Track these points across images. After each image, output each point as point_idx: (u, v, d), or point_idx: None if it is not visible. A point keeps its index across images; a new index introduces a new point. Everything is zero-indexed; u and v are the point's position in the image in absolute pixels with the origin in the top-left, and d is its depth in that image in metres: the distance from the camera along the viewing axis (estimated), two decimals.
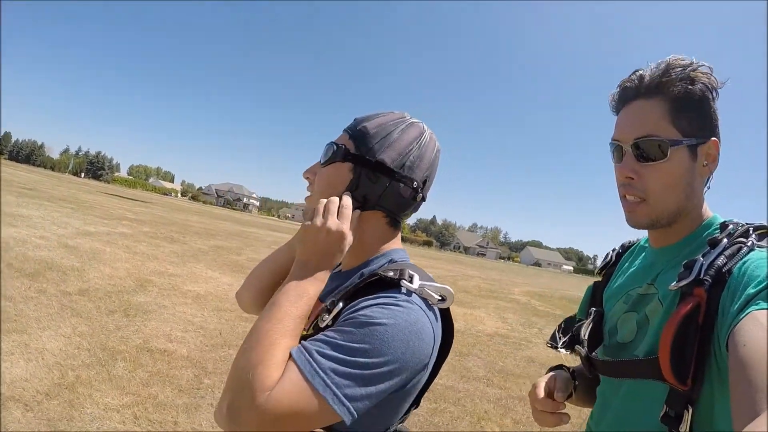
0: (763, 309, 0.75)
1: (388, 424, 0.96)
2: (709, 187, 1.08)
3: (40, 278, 6.72)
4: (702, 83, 1.00)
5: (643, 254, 1.21)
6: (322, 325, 0.91)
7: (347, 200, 0.98)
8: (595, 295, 1.32)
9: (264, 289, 1.24)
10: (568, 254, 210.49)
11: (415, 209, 1.09)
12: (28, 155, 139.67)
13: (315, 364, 0.79)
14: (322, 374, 0.78)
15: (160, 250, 11.65)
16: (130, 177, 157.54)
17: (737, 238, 0.93)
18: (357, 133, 1.03)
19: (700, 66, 1.01)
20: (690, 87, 1.00)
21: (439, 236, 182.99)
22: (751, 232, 0.95)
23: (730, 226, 0.97)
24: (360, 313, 0.86)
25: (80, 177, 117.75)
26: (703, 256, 0.92)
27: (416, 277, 0.94)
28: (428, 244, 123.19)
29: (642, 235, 1.27)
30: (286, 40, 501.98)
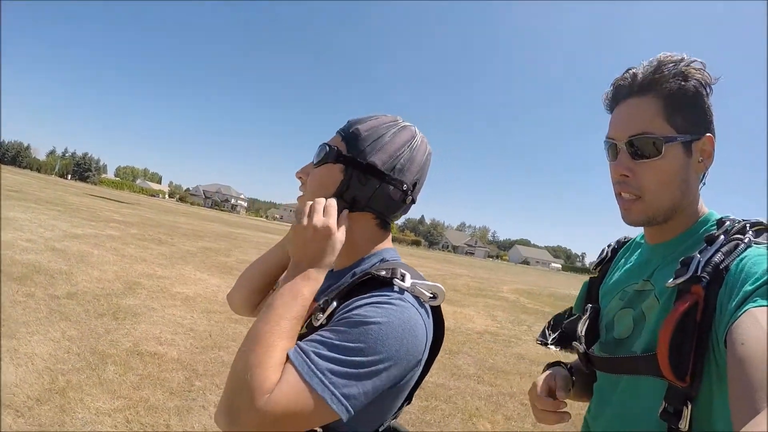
0: (760, 306, 0.75)
1: (382, 420, 0.98)
2: (704, 183, 1.08)
3: (28, 282, 6.66)
4: (695, 79, 1.00)
5: (639, 250, 1.21)
6: (317, 324, 0.92)
7: (332, 200, 1.00)
8: (590, 292, 1.32)
9: (255, 291, 1.26)
10: (557, 252, 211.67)
11: (405, 211, 1.11)
12: (14, 157, 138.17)
13: (312, 365, 0.81)
14: (320, 375, 0.80)
15: (148, 252, 11.58)
16: (117, 178, 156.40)
17: (734, 234, 0.94)
18: (349, 135, 1.05)
19: (692, 62, 1.01)
20: (683, 83, 1.00)
21: (428, 235, 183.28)
22: (747, 228, 0.95)
23: (727, 223, 0.98)
24: (354, 312, 0.87)
25: (67, 179, 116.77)
26: (700, 253, 0.92)
27: (408, 276, 0.96)
28: (417, 243, 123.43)
29: (637, 231, 1.26)
30: (277, 39, 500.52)
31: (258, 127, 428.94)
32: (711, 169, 1.07)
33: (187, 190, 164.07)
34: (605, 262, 1.32)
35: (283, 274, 1.00)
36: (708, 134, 1.02)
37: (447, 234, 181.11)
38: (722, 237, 0.93)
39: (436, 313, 1.02)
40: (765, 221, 0.97)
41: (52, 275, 7.33)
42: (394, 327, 0.86)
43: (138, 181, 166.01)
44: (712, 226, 1.03)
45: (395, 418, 1.04)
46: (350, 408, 0.81)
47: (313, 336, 0.86)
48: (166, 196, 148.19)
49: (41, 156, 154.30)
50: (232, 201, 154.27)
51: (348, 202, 1.03)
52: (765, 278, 0.79)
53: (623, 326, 1.09)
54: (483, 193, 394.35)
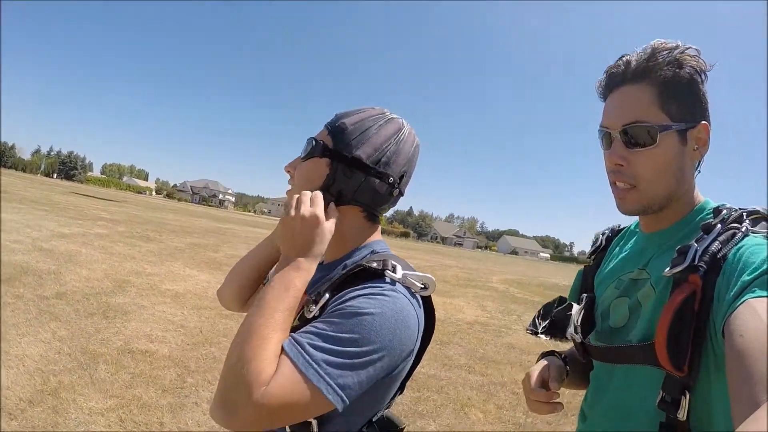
0: (759, 297, 0.74)
1: (375, 410, 0.99)
2: (699, 171, 1.06)
3: (16, 283, 6.60)
4: (690, 66, 0.99)
5: (634, 239, 1.20)
6: (309, 316, 0.93)
7: (317, 192, 1.00)
8: (585, 280, 1.30)
9: (245, 286, 1.25)
10: (545, 242, 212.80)
11: (393, 203, 1.11)
12: None
13: (308, 357, 0.82)
14: (315, 366, 0.81)
15: (136, 249, 11.51)
16: (104, 176, 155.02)
17: (731, 223, 0.92)
18: (335, 129, 1.05)
19: (687, 49, 0.99)
20: (678, 71, 0.98)
21: (417, 227, 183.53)
22: (744, 217, 0.93)
23: (724, 212, 0.96)
24: (348, 303, 0.89)
25: (53, 178, 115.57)
26: (696, 242, 0.91)
27: (399, 267, 0.97)
28: (405, 235, 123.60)
29: (629, 220, 1.24)
30: (264, 34, 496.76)
31: (245, 122, 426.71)
32: (706, 157, 1.05)
33: (175, 186, 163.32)
34: (600, 251, 1.31)
35: (274, 268, 1.00)
36: (703, 122, 1.02)
37: (435, 225, 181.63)
38: (719, 226, 0.92)
39: (427, 304, 1.04)
40: (761, 209, 0.96)
41: (40, 275, 7.28)
42: (387, 318, 0.87)
43: (125, 179, 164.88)
44: (708, 214, 1.02)
45: (388, 407, 1.05)
46: (345, 398, 0.82)
47: (308, 327, 0.87)
48: (153, 192, 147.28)
49: (26, 155, 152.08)
50: (220, 196, 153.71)
51: (334, 196, 1.04)
52: (763, 268, 0.79)
53: (619, 315, 1.09)
54: (471, 183, 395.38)
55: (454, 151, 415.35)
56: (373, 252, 1.07)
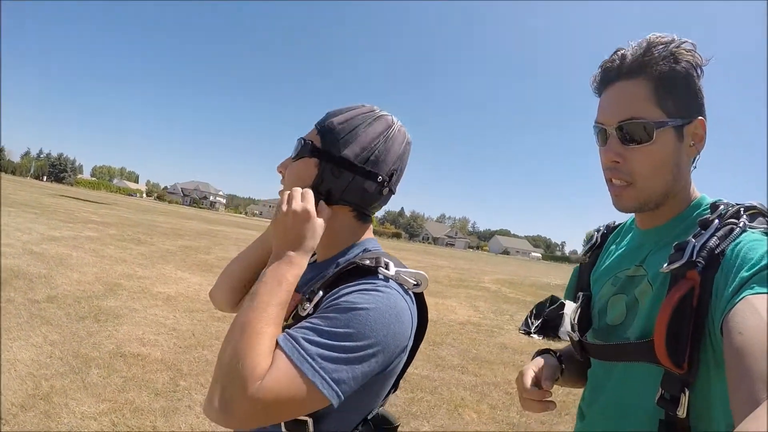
0: (758, 293, 0.74)
1: (370, 407, 1.00)
2: (695, 167, 1.05)
3: (7, 287, 6.54)
4: (686, 61, 0.97)
5: (630, 235, 1.19)
6: (303, 313, 0.93)
7: (308, 189, 1.01)
8: (581, 278, 1.29)
9: (238, 287, 1.25)
10: (536, 242, 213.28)
11: (384, 202, 1.11)
12: None
13: (303, 351, 0.82)
14: (311, 360, 0.81)
15: (127, 252, 11.45)
16: (94, 178, 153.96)
17: (728, 218, 0.92)
18: (324, 128, 1.06)
19: (683, 43, 0.98)
20: (674, 65, 0.97)
21: (408, 228, 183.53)
22: (741, 212, 0.93)
23: (721, 207, 0.96)
24: (342, 299, 0.89)
25: (42, 180, 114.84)
26: (694, 238, 0.90)
27: (392, 264, 0.98)
28: (397, 236, 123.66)
29: (624, 216, 1.23)
30: (255, 35, 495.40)
31: (236, 123, 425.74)
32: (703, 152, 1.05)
33: (165, 188, 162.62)
34: (595, 248, 1.29)
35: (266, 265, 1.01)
36: (699, 117, 1.00)
37: (427, 226, 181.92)
38: (716, 221, 0.92)
39: (420, 301, 1.04)
40: (758, 205, 0.95)
41: (31, 279, 7.22)
42: (381, 313, 0.88)
43: (115, 181, 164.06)
44: (705, 209, 1.01)
45: (382, 405, 1.05)
46: (340, 393, 0.83)
47: (302, 323, 0.87)
48: (144, 194, 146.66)
49: (15, 158, 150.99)
50: (211, 198, 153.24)
51: (323, 195, 1.05)
52: (761, 264, 0.78)
53: (616, 312, 1.09)
54: (463, 183, 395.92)
55: (446, 151, 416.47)
56: (365, 250, 1.07)
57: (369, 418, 1.00)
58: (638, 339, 0.98)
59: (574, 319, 1.17)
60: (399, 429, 1.09)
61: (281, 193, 1.09)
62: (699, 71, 0.99)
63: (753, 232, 0.88)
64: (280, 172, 1.13)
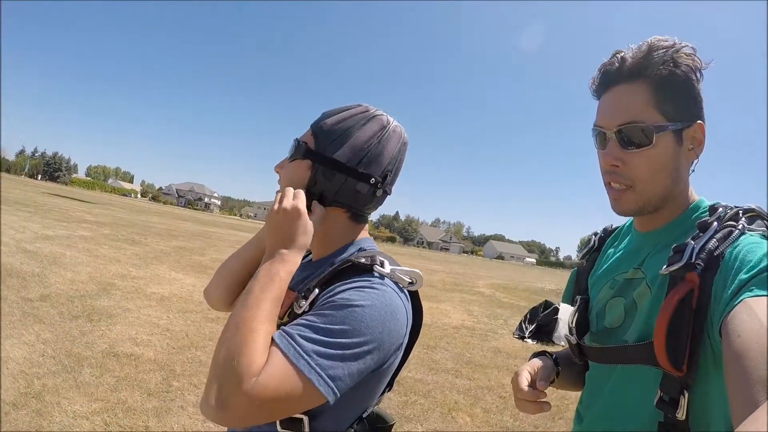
0: (757, 296, 0.74)
1: (365, 405, 1.00)
2: (693, 171, 1.05)
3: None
4: (686, 65, 0.97)
5: (628, 238, 1.19)
6: (299, 311, 0.94)
7: (300, 189, 1.01)
8: (579, 281, 1.28)
9: (232, 285, 1.25)
10: (531, 247, 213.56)
11: (379, 203, 1.11)
12: None
13: (298, 348, 0.82)
14: (306, 357, 0.81)
15: (121, 252, 11.42)
16: (89, 178, 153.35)
17: (727, 221, 0.92)
18: (318, 129, 1.06)
19: (683, 47, 0.98)
20: (674, 69, 0.97)
21: (403, 232, 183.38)
22: (740, 215, 0.93)
23: (719, 209, 0.95)
24: (338, 296, 0.90)
25: (37, 179, 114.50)
26: (693, 240, 0.90)
27: (387, 263, 0.99)
28: (392, 239, 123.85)
29: (621, 220, 1.22)
30: (250, 35, 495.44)
31: (232, 124, 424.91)
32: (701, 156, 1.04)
33: (160, 189, 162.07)
34: (593, 251, 1.29)
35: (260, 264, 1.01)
36: (699, 121, 1.00)
37: (422, 230, 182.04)
38: (715, 223, 0.91)
39: (414, 299, 1.05)
40: (756, 208, 0.95)
41: (24, 277, 7.20)
42: (377, 310, 0.89)
43: (110, 181, 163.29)
44: (703, 212, 1.01)
45: (377, 404, 1.06)
46: (336, 390, 0.83)
47: (298, 320, 0.88)
48: (139, 195, 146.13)
49: (10, 156, 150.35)
50: (206, 199, 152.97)
51: (316, 197, 1.05)
52: (760, 267, 0.78)
53: (614, 315, 1.08)
54: (457, 188, 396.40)
55: (441, 154, 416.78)
56: (360, 249, 1.08)
57: (364, 416, 1.00)
58: (637, 341, 0.98)
59: (572, 323, 1.17)
60: (392, 430, 1.09)
61: (276, 193, 1.10)
62: (698, 75, 0.99)
63: (752, 235, 0.88)
64: (278, 172, 1.13)
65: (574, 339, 1.14)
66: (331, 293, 0.92)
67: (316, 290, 0.95)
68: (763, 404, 0.60)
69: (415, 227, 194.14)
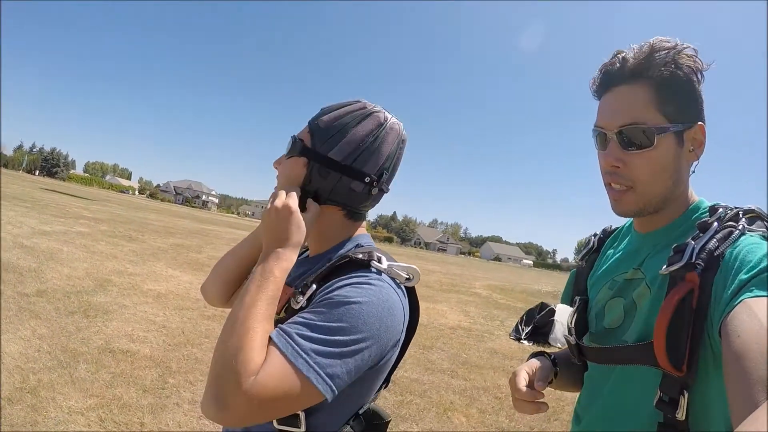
0: (757, 296, 0.74)
1: (362, 402, 1.00)
2: (693, 172, 1.05)
3: None
4: (688, 66, 0.96)
5: (627, 239, 1.19)
6: (296, 307, 0.94)
7: (292, 189, 1.02)
8: (578, 282, 1.28)
9: (229, 282, 1.25)
10: (528, 249, 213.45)
11: (375, 201, 1.11)
12: None
13: (296, 346, 0.82)
14: (305, 355, 0.81)
15: (118, 249, 11.40)
16: (87, 174, 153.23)
17: (727, 221, 0.91)
18: (314, 126, 1.06)
19: (684, 48, 0.97)
20: (676, 71, 0.96)
21: (400, 232, 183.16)
22: (740, 216, 0.92)
23: (720, 210, 0.95)
24: (335, 293, 0.90)
25: (35, 175, 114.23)
26: (693, 240, 0.90)
27: (384, 258, 0.99)
28: (389, 240, 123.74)
29: (620, 221, 1.22)
30: (249, 34, 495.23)
31: (230, 123, 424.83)
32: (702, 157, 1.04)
33: (158, 186, 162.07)
34: (592, 252, 1.29)
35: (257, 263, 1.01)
36: (699, 123, 1.00)
37: (419, 231, 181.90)
38: (715, 224, 0.91)
39: (411, 296, 1.05)
40: (756, 208, 0.95)
41: (21, 273, 7.19)
42: (374, 306, 0.89)
43: (107, 177, 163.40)
44: (703, 213, 1.01)
45: (374, 401, 1.06)
46: (334, 388, 0.83)
47: (295, 318, 0.88)
48: (136, 192, 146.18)
49: (8, 152, 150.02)
50: (204, 197, 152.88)
51: (311, 195, 1.05)
52: (760, 267, 0.78)
53: (614, 316, 1.08)
54: (456, 189, 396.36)
55: (440, 155, 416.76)
56: (358, 245, 1.08)
57: (360, 412, 1.00)
58: (636, 342, 0.98)
59: (571, 323, 1.17)
60: (388, 428, 1.09)
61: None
62: (700, 76, 0.99)
63: (752, 235, 0.88)
64: (276, 168, 1.13)
65: (573, 339, 1.14)
66: (328, 289, 0.92)
67: (314, 286, 0.95)
68: (762, 404, 0.60)
69: (412, 227, 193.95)
